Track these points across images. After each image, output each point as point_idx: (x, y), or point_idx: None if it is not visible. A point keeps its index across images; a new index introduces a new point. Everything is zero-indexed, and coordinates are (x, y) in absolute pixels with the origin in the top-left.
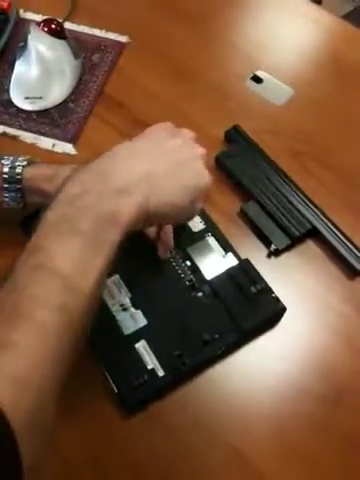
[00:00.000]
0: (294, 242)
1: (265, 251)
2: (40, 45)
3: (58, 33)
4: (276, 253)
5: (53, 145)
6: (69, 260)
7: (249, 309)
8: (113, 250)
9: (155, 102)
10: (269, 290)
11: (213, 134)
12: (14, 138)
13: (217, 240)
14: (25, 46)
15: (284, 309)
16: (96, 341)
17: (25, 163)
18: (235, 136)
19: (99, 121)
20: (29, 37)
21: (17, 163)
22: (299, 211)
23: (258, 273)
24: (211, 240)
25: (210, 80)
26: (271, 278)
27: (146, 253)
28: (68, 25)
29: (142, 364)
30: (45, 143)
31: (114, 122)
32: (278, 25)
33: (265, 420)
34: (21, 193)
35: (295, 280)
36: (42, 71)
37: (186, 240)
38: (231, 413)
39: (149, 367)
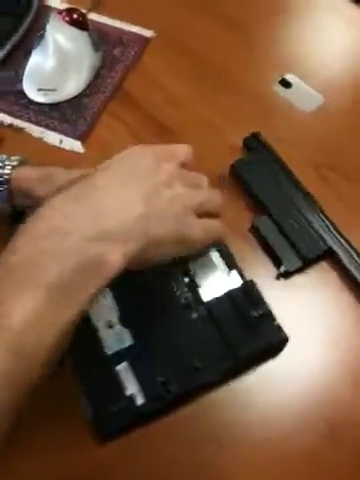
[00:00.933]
0: (307, 264)
1: (274, 271)
2: (59, 35)
3: (80, 24)
4: (286, 275)
5: (60, 141)
6: (26, 321)
7: (247, 335)
8: (89, 304)
9: (175, 103)
10: (271, 316)
11: (232, 140)
12: (21, 131)
13: (222, 256)
14: (43, 35)
15: (285, 339)
16: (76, 359)
17: (15, 163)
18: (254, 144)
19: (112, 119)
20: (48, 26)
21: (7, 162)
22: (316, 231)
23: (261, 296)
24: (215, 256)
25: (235, 83)
26: (278, 302)
27: None
28: (91, 15)
29: (121, 389)
30: (52, 138)
31: (128, 121)
32: (314, 27)
33: (261, 453)
34: (9, 194)
35: (304, 305)
36: (59, 62)
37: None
38: (223, 445)
39: (127, 393)
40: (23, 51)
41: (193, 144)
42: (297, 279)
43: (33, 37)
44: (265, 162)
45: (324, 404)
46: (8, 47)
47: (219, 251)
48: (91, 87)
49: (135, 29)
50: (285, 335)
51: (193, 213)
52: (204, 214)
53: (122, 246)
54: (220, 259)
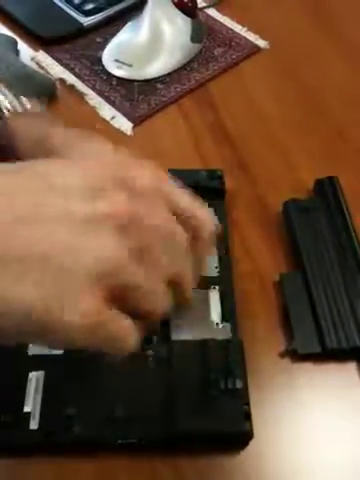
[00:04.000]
0: (326, 353)
1: (282, 346)
2: (160, 12)
3: (188, 9)
4: (293, 355)
5: (112, 117)
6: None
7: (200, 408)
8: None
9: (255, 119)
10: (243, 397)
11: (303, 177)
12: (79, 95)
13: (222, 301)
14: (144, 8)
15: (249, 435)
16: None
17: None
18: (325, 189)
19: (179, 114)
20: (150, 0)
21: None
22: (356, 319)
23: (242, 367)
24: (214, 296)
25: (333, 120)
26: (269, 384)
27: None
28: (211, 11)
29: (20, 400)
30: (106, 112)
31: (195, 121)
32: None
33: None
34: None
35: (300, 400)
36: (149, 40)
37: None
38: None
39: (25, 409)
40: (123, 21)
41: (254, 167)
42: (308, 367)
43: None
44: (327, 213)
45: None
46: (109, 13)
47: (221, 293)
48: (172, 75)
49: (251, 36)
50: (249, 429)
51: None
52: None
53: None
54: (218, 302)
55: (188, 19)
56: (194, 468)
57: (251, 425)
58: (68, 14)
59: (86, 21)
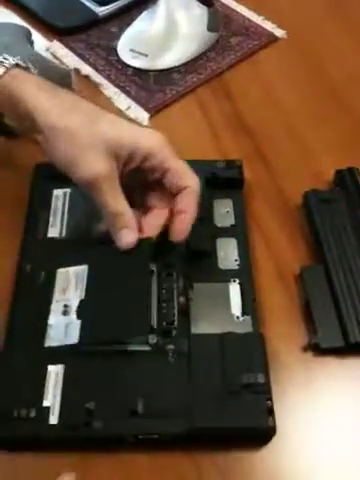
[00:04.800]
0: (349, 347)
1: (303, 339)
2: (175, 1)
3: None
4: (315, 349)
5: (128, 107)
6: None
7: (220, 403)
8: None
9: (274, 109)
10: (265, 392)
11: (323, 169)
12: (94, 86)
13: (242, 294)
14: None
15: (272, 431)
16: (12, 337)
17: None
18: (346, 180)
19: (195, 103)
20: None
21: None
22: None
23: (264, 361)
24: (234, 289)
25: (353, 109)
26: (289, 379)
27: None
28: (227, 0)
29: (40, 394)
30: (122, 102)
31: (211, 111)
32: None
33: None
34: None
35: (322, 395)
36: (164, 29)
37: (200, 273)
38: None
39: (45, 404)
40: (138, 10)
41: (272, 158)
42: (330, 361)
43: None
44: (348, 204)
45: None
46: (124, 2)
47: (241, 285)
48: (188, 65)
49: (268, 25)
50: (273, 424)
51: None
52: None
53: None
54: (238, 295)
55: (204, 8)
56: (214, 463)
57: (274, 421)
58: (83, 4)
59: (101, 11)
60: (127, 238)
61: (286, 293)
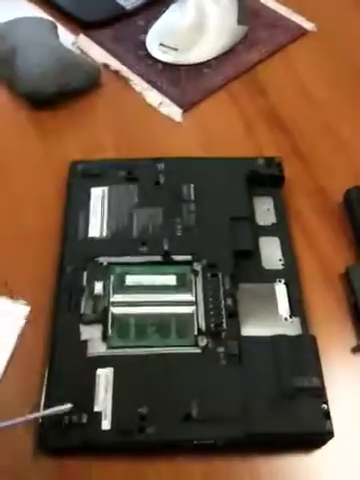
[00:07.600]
0: None
1: (352, 340)
2: None
3: None
4: None
5: (160, 103)
6: None
7: (276, 408)
8: None
9: (308, 106)
10: (321, 395)
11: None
12: (124, 81)
13: (289, 294)
14: None
15: (330, 435)
16: (58, 341)
17: None
18: None
19: (228, 98)
20: None
21: None
22: None
23: (317, 363)
24: (280, 290)
25: None
26: (341, 382)
27: None
28: None
29: (90, 399)
30: (153, 98)
31: (245, 106)
32: None
33: None
34: None
35: None
36: (194, 23)
37: (244, 274)
38: None
39: (96, 409)
40: (166, 3)
41: (310, 154)
42: None
43: None
44: None
45: None
46: None
47: (288, 286)
48: (219, 59)
49: (297, 18)
50: (330, 428)
51: None
52: None
53: None
54: (285, 295)
55: (234, 0)
56: (270, 468)
57: (332, 425)
58: None
59: (128, 3)
60: None
61: (332, 292)
